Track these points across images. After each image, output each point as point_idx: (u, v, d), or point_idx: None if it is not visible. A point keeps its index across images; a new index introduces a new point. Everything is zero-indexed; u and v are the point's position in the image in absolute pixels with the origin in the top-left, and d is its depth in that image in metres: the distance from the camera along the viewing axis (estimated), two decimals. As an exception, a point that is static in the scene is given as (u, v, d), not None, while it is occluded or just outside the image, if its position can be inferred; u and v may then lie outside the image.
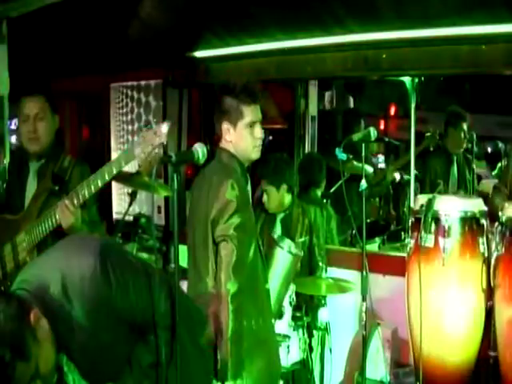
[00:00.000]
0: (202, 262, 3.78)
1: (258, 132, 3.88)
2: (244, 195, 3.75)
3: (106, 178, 3.55)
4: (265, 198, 5.45)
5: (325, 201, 6.26)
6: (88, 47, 7.00)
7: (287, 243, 4.56)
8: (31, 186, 4.16)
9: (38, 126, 4.11)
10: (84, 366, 2.79)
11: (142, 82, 7.71)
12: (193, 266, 3.87)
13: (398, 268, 4.60)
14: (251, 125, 3.83)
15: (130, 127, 7.91)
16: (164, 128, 3.23)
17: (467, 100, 7.63)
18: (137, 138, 3.34)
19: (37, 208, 4.00)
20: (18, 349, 2.43)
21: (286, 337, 4.51)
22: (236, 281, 3.58)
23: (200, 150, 3.00)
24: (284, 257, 4.38)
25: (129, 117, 7.90)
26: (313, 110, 7.48)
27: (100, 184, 3.58)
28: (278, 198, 5.44)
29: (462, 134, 6.53)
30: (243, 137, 3.83)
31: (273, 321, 4.02)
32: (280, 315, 4.57)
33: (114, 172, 3.53)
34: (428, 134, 6.69)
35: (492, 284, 4.06)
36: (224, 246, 3.64)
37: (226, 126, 3.81)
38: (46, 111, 4.15)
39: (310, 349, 4.88)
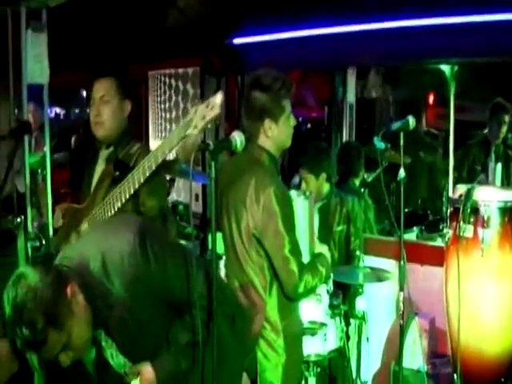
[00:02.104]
0: (242, 255, 3.80)
1: (293, 120, 3.88)
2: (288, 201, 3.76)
3: (159, 159, 3.45)
4: (303, 186, 5.45)
5: (362, 190, 6.25)
6: (127, 36, 7.03)
7: (295, 193, 4.38)
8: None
9: (103, 109, 4.00)
10: (122, 342, 2.84)
11: (180, 70, 7.74)
12: (233, 256, 3.87)
13: (436, 258, 4.58)
14: (289, 115, 3.82)
15: (167, 115, 7.95)
16: (218, 99, 3.16)
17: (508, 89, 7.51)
18: (188, 114, 3.26)
19: (100, 196, 3.92)
20: (51, 316, 2.49)
21: (323, 325, 4.50)
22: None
23: (238, 138, 2.99)
24: (301, 204, 4.23)
25: (167, 105, 7.95)
26: (351, 97, 7.44)
27: (154, 166, 3.47)
28: (317, 186, 5.44)
29: (503, 127, 6.51)
30: (284, 129, 3.81)
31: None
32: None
33: (167, 152, 3.44)
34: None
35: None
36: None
37: (267, 123, 3.74)
38: (113, 94, 4.02)
39: (347, 337, 4.86)
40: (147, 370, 2.85)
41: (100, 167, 4.11)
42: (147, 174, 3.50)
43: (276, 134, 3.77)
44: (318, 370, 4.55)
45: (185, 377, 2.94)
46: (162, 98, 7.97)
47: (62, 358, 2.63)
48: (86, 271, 2.70)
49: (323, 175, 5.47)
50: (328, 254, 4.03)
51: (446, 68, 5.96)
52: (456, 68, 5.92)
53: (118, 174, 3.81)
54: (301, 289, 3.66)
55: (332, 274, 4.47)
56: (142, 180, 3.54)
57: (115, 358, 2.89)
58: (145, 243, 2.73)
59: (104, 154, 4.11)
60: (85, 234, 3.14)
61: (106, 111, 3.99)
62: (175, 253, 2.86)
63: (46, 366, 2.73)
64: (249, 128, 3.79)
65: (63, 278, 2.60)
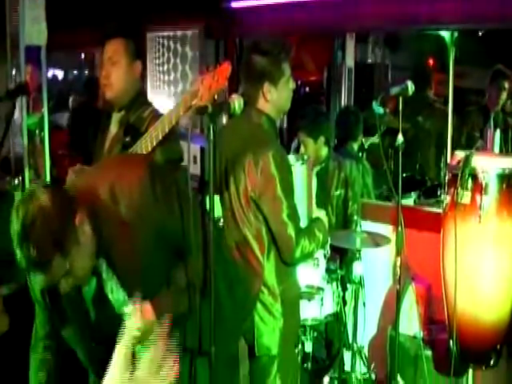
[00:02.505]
0: (240, 219, 3.81)
1: (293, 84, 3.89)
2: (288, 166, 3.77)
3: (166, 129, 3.45)
4: (302, 149, 5.45)
5: (360, 155, 6.24)
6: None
7: (293, 158, 4.24)
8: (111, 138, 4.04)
9: (111, 70, 3.91)
10: (123, 275, 2.85)
11: (179, 33, 7.68)
12: (231, 219, 3.87)
13: (434, 224, 4.59)
14: (288, 79, 3.82)
15: (166, 77, 7.90)
16: (225, 70, 3.12)
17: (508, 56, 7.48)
18: (195, 83, 3.24)
19: None
20: (59, 240, 2.50)
21: (320, 289, 4.53)
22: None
23: (237, 101, 2.98)
24: (299, 170, 4.21)
25: (165, 67, 7.89)
26: (350, 62, 7.42)
27: (160, 136, 3.47)
28: (315, 150, 5.43)
29: (502, 93, 6.50)
30: (284, 93, 3.82)
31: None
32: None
33: (173, 121, 3.43)
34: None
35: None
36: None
37: (267, 87, 3.76)
38: (122, 55, 3.92)
39: (344, 302, 4.91)
40: (146, 307, 2.85)
41: (113, 130, 4.07)
42: (154, 144, 3.50)
43: (275, 98, 3.78)
44: (315, 334, 4.60)
45: (182, 326, 2.94)
46: (161, 60, 7.91)
47: (62, 284, 2.65)
48: (94, 197, 2.72)
49: (321, 139, 5.47)
50: (325, 219, 4.05)
51: (445, 34, 5.92)
52: (456, 34, 5.88)
53: (128, 139, 3.76)
54: (297, 253, 3.68)
55: (329, 239, 4.48)
56: (149, 149, 3.52)
57: (114, 293, 2.89)
58: (154, 180, 2.75)
59: (116, 117, 4.06)
60: (93, 166, 3.15)
61: (114, 73, 3.92)
62: (183, 196, 2.86)
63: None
64: (248, 91, 3.79)
65: (73, 204, 2.61)
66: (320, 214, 4.07)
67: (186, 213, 2.81)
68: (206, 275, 2.87)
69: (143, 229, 2.77)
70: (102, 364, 2.66)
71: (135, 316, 2.75)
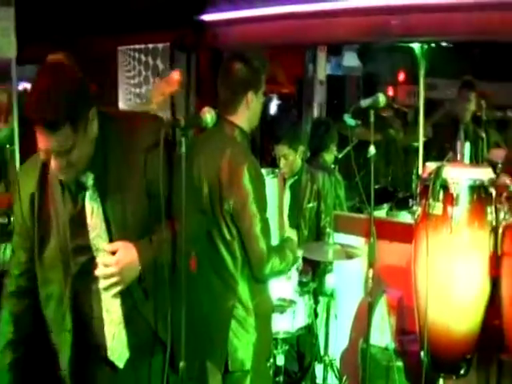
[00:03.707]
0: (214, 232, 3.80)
1: (263, 97, 3.91)
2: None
3: None
4: (283, 162, 5.42)
5: (333, 167, 6.25)
6: (96, 9, 6.96)
7: (264, 171, 4.31)
8: None
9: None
10: (109, 209, 2.87)
11: (150, 45, 7.67)
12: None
13: (406, 235, 4.59)
14: (263, 92, 3.85)
15: (137, 90, 7.89)
16: (176, 75, 3.16)
17: (479, 67, 7.56)
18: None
19: None
20: (74, 112, 2.62)
21: (292, 302, 4.51)
22: None
23: (209, 114, 2.97)
24: (270, 183, 4.20)
25: (136, 80, 7.87)
26: (321, 74, 7.44)
27: None
28: (294, 161, 5.43)
29: (469, 105, 6.56)
30: (260, 105, 3.84)
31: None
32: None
33: None
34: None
35: (499, 253, 4.06)
36: None
37: (250, 95, 3.77)
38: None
39: (316, 314, 4.90)
40: (128, 246, 2.84)
41: None
42: None
43: (253, 108, 3.80)
44: (286, 347, 4.57)
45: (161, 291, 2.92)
46: (132, 73, 7.90)
47: (63, 172, 2.74)
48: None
49: (301, 148, 5.46)
50: (296, 239, 4.05)
51: (416, 46, 5.97)
52: (426, 47, 5.93)
53: None
54: (267, 270, 3.67)
55: (302, 251, 4.47)
56: None
57: (94, 218, 2.87)
58: (158, 142, 2.78)
59: None
60: None
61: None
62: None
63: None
64: (229, 101, 3.79)
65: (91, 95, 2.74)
66: (292, 233, 4.08)
67: (179, 179, 2.82)
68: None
69: (136, 177, 2.86)
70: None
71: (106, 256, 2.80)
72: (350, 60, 8.80)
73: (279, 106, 9.09)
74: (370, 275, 4.12)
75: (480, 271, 4.08)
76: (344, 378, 4.97)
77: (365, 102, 4.15)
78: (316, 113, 7.27)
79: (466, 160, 5.46)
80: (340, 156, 6.44)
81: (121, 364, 2.96)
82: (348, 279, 5.34)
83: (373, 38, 6.00)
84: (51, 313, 2.98)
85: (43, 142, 2.63)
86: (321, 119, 6.88)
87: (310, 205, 5.58)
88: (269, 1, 6.43)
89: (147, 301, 2.93)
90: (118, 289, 2.83)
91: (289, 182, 5.46)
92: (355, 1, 5.90)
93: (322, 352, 4.94)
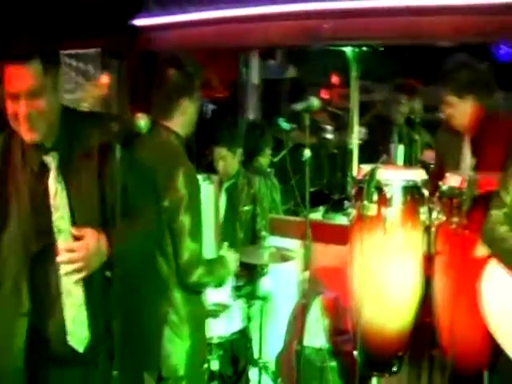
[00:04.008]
0: None
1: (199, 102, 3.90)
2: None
3: None
4: (221, 165, 5.39)
5: (269, 170, 6.25)
6: (27, 14, 6.86)
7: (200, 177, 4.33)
8: None
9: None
10: (73, 197, 2.89)
11: (81, 51, 7.59)
12: None
13: (341, 237, 4.62)
14: (198, 97, 3.83)
15: (69, 96, 7.79)
16: (104, 79, 3.16)
17: (414, 70, 7.65)
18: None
19: None
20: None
21: (227, 306, 4.50)
22: None
23: (142, 120, 2.96)
24: (206, 190, 4.20)
25: (68, 86, 7.78)
26: (255, 78, 7.45)
27: None
28: (232, 164, 5.41)
29: (402, 107, 6.64)
30: (195, 110, 3.83)
31: None
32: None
33: None
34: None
35: (432, 252, 4.13)
36: None
37: (185, 101, 3.75)
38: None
39: (250, 318, 4.89)
40: (96, 232, 2.83)
41: None
42: None
43: (190, 113, 3.78)
44: (221, 352, 4.56)
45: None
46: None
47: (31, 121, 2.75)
48: None
49: (239, 151, 5.44)
50: (234, 260, 4.04)
51: (348, 50, 6.02)
52: (357, 50, 5.99)
53: None
54: (194, 277, 3.65)
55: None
56: None
57: (58, 199, 2.86)
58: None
59: None
60: None
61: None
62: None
63: None
64: (164, 107, 3.77)
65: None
66: (229, 254, 4.06)
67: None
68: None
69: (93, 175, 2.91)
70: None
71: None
72: (284, 64, 8.84)
73: (214, 111, 9.08)
74: (305, 277, 4.13)
75: (413, 271, 4.13)
76: (279, 381, 4.97)
77: (298, 106, 4.17)
78: (251, 117, 7.27)
79: (400, 162, 5.54)
80: (275, 160, 6.44)
81: (81, 348, 2.92)
82: (283, 282, 5.35)
83: (306, 41, 6.03)
84: (7, 293, 2.93)
85: (14, 81, 2.67)
86: (255, 123, 6.87)
87: (246, 208, 5.58)
88: (202, 5, 6.41)
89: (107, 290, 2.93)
90: (81, 275, 2.82)
91: (225, 185, 5.45)
92: (288, 5, 5.92)
93: (256, 355, 4.93)
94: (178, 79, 3.73)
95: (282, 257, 4.77)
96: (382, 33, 5.53)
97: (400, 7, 5.42)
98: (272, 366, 5.20)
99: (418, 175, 4.20)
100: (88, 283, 2.89)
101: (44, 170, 2.86)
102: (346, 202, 4.55)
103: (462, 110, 4.56)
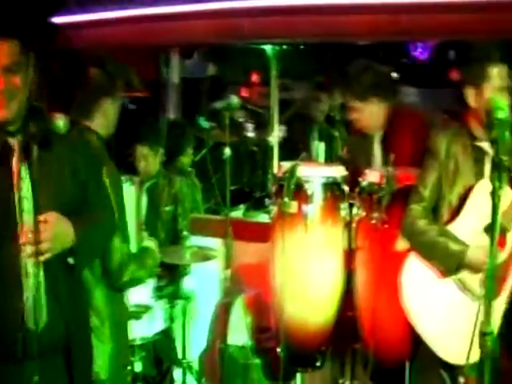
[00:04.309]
0: None
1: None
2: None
3: None
4: (142, 164, 5.34)
5: (190, 170, 6.22)
6: None
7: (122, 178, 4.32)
8: None
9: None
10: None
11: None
12: None
13: (262, 235, 4.62)
14: (120, 97, 3.79)
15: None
16: None
17: (331, 68, 7.72)
18: None
19: None
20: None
21: (149, 307, 4.46)
22: None
23: (61, 120, 2.92)
24: (127, 191, 4.17)
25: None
26: (175, 77, 7.42)
27: None
28: (155, 163, 5.36)
29: (321, 105, 6.70)
30: (116, 110, 3.78)
31: None
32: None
33: None
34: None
35: (353, 247, 4.18)
36: None
37: (108, 101, 3.68)
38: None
39: (173, 318, 4.86)
40: (62, 217, 2.84)
41: None
42: None
43: (112, 113, 3.73)
44: (144, 353, 4.52)
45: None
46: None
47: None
48: None
49: (161, 151, 5.39)
50: (157, 250, 4.00)
51: (268, 48, 6.03)
52: (278, 48, 6.00)
53: None
54: (126, 277, 3.61)
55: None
56: None
57: (23, 180, 2.83)
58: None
59: None
60: None
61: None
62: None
63: None
64: (85, 106, 3.71)
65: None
66: (151, 242, 4.02)
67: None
68: None
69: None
70: None
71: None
72: (205, 62, 8.82)
73: (134, 111, 9.00)
74: (227, 276, 4.13)
75: (334, 266, 4.17)
76: (203, 380, 4.96)
77: (218, 104, 4.18)
78: (171, 116, 7.24)
79: (320, 159, 5.58)
80: (196, 159, 6.41)
81: (36, 330, 2.83)
82: (206, 281, 5.33)
83: (226, 39, 6.03)
84: None
85: None
86: (177, 122, 6.82)
87: (168, 208, 5.54)
88: (123, 3, 6.35)
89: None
90: (43, 257, 2.78)
91: (146, 185, 5.39)
92: (208, 3, 5.90)
93: (180, 355, 4.91)
94: (101, 79, 3.69)
95: (204, 256, 4.75)
96: (302, 31, 5.55)
97: (320, 5, 5.45)
98: (196, 366, 5.18)
99: (338, 172, 4.24)
100: (49, 268, 2.86)
101: (8, 150, 2.84)
102: (266, 199, 4.56)
103: (367, 114, 4.64)
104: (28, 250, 2.77)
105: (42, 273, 2.85)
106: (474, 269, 3.54)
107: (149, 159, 5.35)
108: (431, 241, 3.61)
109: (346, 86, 4.70)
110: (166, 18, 6.16)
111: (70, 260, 2.89)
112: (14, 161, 2.83)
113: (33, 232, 2.74)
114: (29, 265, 2.83)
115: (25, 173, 2.83)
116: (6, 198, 2.83)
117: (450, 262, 3.57)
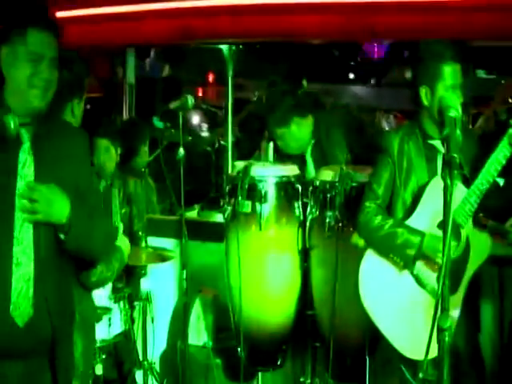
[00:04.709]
0: None
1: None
2: None
3: None
4: (102, 158, 5.29)
5: (143, 170, 6.18)
6: None
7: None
8: None
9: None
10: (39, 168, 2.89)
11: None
12: None
13: (217, 234, 4.63)
14: (84, 97, 3.77)
15: None
16: None
17: (286, 67, 7.75)
18: None
19: None
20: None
21: (107, 309, 4.44)
22: None
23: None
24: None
25: None
26: (131, 77, 7.38)
27: None
28: (112, 160, 5.30)
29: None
30: (82, 110, 3.74)
31: None
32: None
33: None
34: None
35: (307, 246, 4.20)
36: None
37: (76, 102, 3.60)
38: None
39: (132, 320, 4.84)
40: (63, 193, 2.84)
41: None
42: None
43: (79, 113, 3.70)
44: (104, 356, 4.49)
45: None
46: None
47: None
48: None
49: (119, 150, 5.35)
50: (127, 249, 3.98)
51: (224, 48, 6.03)
52: (234, 48, 6.00)
53: None
54: (95, 277, 3.59)
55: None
56: None
57: (26, 169, 2.84)
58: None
59: None
60: None
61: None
62: None
63: None
64: (57, 108, 3.68)
65: None
66: (123, 241, 4.00)
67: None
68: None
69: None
70: None
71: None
72: (160, 62, 8.80)
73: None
74: (184, 276, 4.13)
75: (290, 265, 4.21)
76: (165, 381, 4.95)
77: (173, 104, 4.17)
78: (126, 116, 7.19)
79: (270, 159, 5.59)
80: (150, 159, 6.37)
81: (21, 322, 2.83)
82: (163, 282, 5.32)
83: (180, 39, 6.01)
84: None
85: (40, 44, 2.79)
86: (132, 122, 6.78)
87: (123, 210, 5.50)
88: (76, 3, 6.31)
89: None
90: (34, 217, 2.80)
91: (101, 187, 5.35)
92: (162, 3, 5.89)
93: (140, 357, 4.89)
94: (70, 80, 3.64)
95: (160, 257, 4.74)
96: (255, 31, 5.56)
97: (271, 5, 5.47)
98: (157, 367, 5.17)
99: (291, 171, 4.27)
100: (39, 259, 2.86)
101: (17, 140, 2.84)
102: (221, 199, 4.57)
103: (290, 136, 4.69)
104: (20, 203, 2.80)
105: (32, 263, 2.84)
106: (431, 258, 3.54)
107: (110, 152, 5.29)
108: (388, 232, 3.59)
109: (269, 116, 4.77)
110: (120, 17, 6.13)
111: (61, 236, 2.87)
112: (22, 151, 2.84)
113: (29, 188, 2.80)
114: (20, 255, 2.82)
115: (29, 163, 2.85)
116: (5, 184, 2.83)
117: (407, 251, 3.57)
